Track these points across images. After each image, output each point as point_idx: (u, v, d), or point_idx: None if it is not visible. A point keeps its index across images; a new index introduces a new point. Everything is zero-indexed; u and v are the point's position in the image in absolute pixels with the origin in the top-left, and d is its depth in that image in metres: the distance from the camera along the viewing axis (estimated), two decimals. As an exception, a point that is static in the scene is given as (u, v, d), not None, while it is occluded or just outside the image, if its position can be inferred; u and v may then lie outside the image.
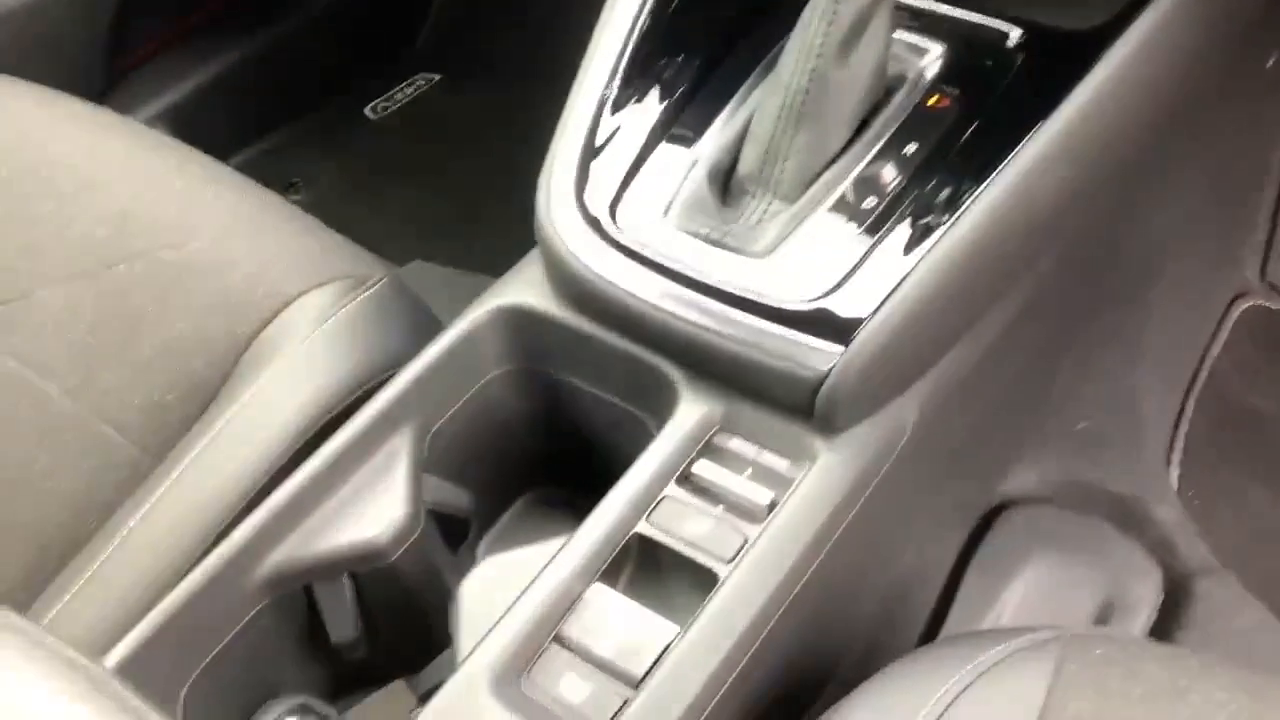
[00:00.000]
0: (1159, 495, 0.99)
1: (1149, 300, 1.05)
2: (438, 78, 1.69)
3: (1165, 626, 0.94)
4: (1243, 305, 1.16)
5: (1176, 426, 1.08)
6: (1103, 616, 0.91)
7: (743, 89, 0.78)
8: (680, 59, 0.80)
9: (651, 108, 0.78)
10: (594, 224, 0.74)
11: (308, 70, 1.59)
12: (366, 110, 1.64)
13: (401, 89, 1.67)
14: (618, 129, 0.77)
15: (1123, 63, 0.72)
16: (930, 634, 0.92)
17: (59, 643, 0.42)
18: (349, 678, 0.75)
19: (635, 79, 0.79)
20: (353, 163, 1.56)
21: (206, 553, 0.67)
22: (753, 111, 0.75)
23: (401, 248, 1.26)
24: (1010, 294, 0.78)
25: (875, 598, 0.82)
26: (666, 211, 0.74)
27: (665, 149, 0.77)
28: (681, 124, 0.77)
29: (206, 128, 1.44)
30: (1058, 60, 0.72)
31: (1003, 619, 0.91)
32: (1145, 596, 0.92)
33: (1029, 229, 0.72)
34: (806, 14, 0.71)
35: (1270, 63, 1.08)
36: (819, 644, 0.73)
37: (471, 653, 0.62)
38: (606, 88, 0.79)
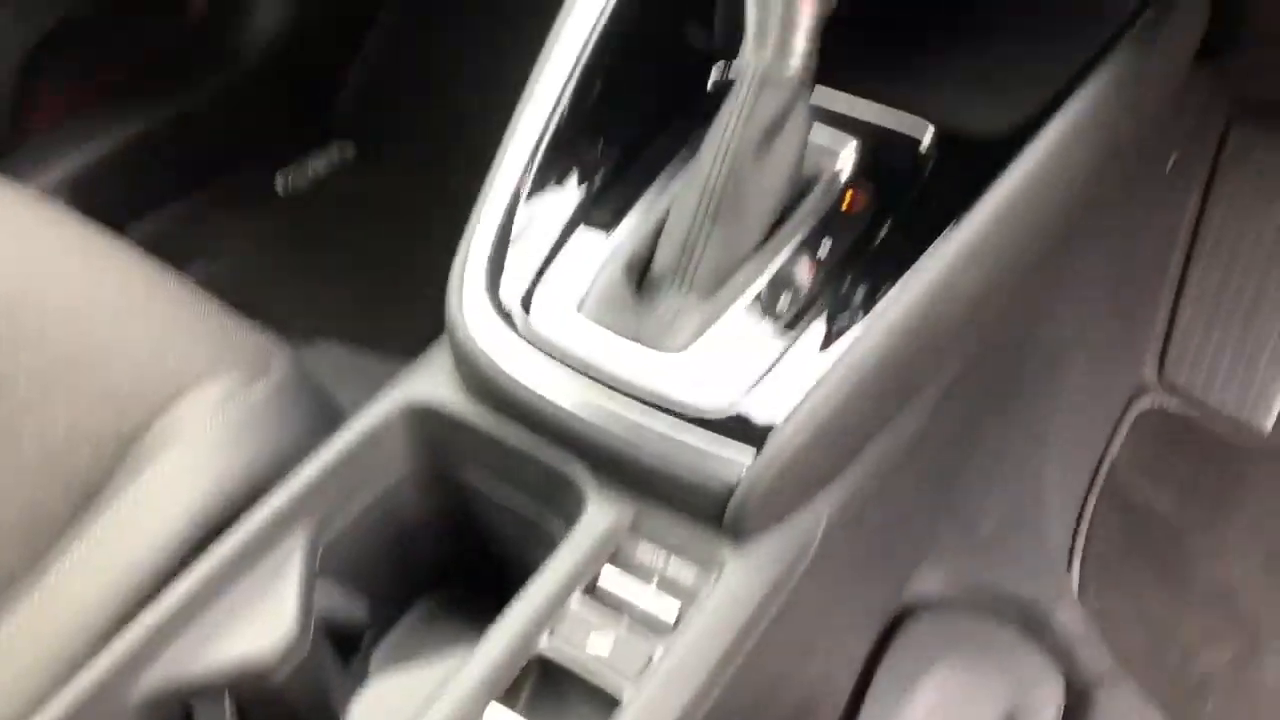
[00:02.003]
0: (1060, 599, 0.99)
1: (1053, 397, 1.06)
2: (353, 147, 1.66)
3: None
4: (1141, 404, 1.18)
5: (1077, 526, 1.08)
6: (1007, 728, 0.90)
7: (660, 180, 0.77)
8: (599, 147, 0.79)
9: (569, 196, 0.77)
10: (505, 317, 0.72)
11: (217, 138, 1.55)
12: (276, 180, 1.60)
13: (314, 159, 1.63)
14: (534, 217, 0.76)
15: (1032, 169, 0.73)
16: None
17: None
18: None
19: (553, 166, 0.78)
20: (260, 236, 1.52)
21: (80, 668, 0.63)
22: (670, 204, 0.74)
23: (309, 327, 1.23)
24: (922, 394, 0.78)
25: (783, 713, 0.80)
26: (581, 304, 0.72)
27: (581, 239, 0.76)
28: (599, 214, 0.77)
29: (109, 194, 1.40)
30: (969, 163, 0.73)
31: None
32: (1047, 706, 0.91)
33: (940, 330, 0.73)
34: (724, 111, 0.71)
35: (1169, 167, 1.11)
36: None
37: None
38: (524, 173, 0.78)
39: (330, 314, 1.38)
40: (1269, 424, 1.16)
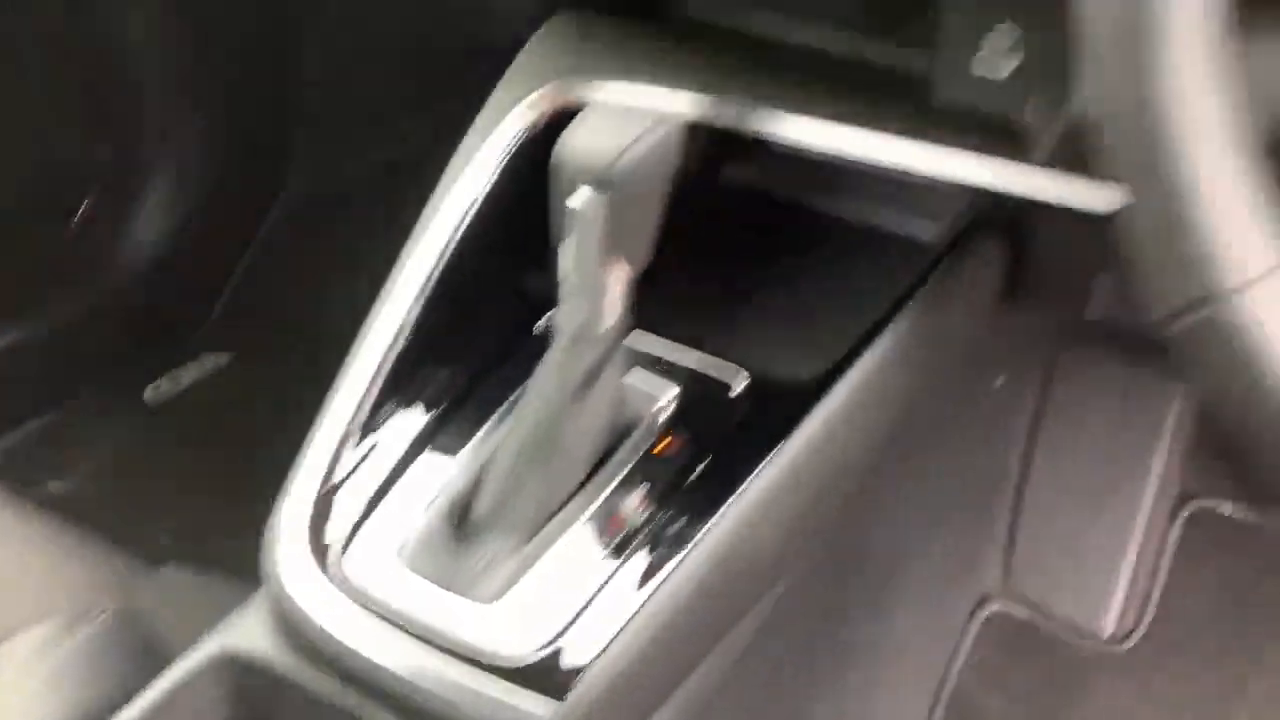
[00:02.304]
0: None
1: (893, 609, 1.08)
2: (228, 357, 1.67)
3: None
4: (986, 610, 1.21)
5: None
6: None
7: (489, 423, 0.80)
8: (430, 389, 0.82)
9: (397, 439, 0.79)
10: (321, 564, 0.73)
11: (87, 350, 1.55)
12: (146, 393, 1.59)
13: (186, 368, 1.64)
14: (360, 459, 0.78)
15: (840, 407, 0.77)
16: None
17: None
18: None
19: (382, 408, 0.80)
20: (124, 450, 1.51)
21: None
22: (493, 450, 0.77)
23: (158, 549, 1.21)
24: (741, 626, 0.80)
25: None
26: (400, 550, 0.74)
27: (407, 482, 0.78)
28: (426, 457, 0.79)
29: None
30: (780, 406, 0.77)
31: None
32: None
33: (754, 564, 0.75)
34: (546, 359, 0.74)
35: (998, 384, 1.17)
36: None
37: None
38: (353, 416, 0.80)
39: (183, 534, 1.36)
40: (1108, 627, 1.20)
